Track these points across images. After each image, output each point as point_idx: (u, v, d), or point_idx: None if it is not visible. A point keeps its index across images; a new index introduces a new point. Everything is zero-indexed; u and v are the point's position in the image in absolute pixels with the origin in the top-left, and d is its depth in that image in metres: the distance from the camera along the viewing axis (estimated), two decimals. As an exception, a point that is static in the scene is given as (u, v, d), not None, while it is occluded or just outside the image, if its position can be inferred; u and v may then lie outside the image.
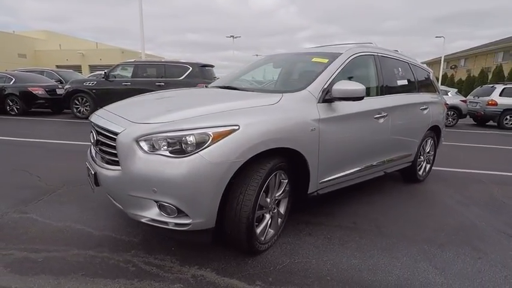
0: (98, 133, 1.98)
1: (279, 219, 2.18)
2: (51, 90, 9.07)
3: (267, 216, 2.01)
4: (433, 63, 36.53)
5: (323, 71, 2.37)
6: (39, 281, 1.67)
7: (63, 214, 2.50)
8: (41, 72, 11.17)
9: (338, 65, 2.47)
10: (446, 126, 10.97)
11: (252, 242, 1.84)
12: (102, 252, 1.97)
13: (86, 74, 22.51)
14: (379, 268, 1.91)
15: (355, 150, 2.54)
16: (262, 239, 1.98)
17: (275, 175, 1.97)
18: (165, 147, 1.65)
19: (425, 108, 3.45)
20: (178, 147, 1.64)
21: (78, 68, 27.83)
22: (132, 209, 1.79)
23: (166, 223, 1.71)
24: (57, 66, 25.14)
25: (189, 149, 1.62)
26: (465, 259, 2.06)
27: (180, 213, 1.68)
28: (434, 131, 3.80)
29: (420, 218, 2.71)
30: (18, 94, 8.65)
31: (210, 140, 1.63)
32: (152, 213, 1.73)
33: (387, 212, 2.78)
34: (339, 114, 2.32)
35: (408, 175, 3.65)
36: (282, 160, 1.99)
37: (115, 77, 8.28)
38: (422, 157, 3.70)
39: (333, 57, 2.54)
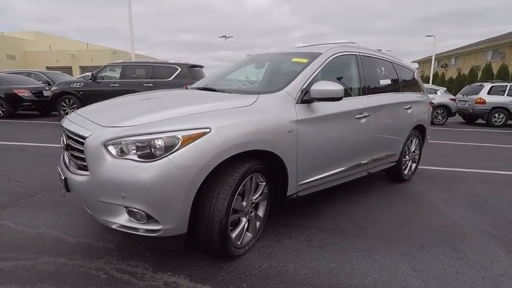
0: (68, 137, 1.92)
1: (258, 223, 2.14)
2: (37, 93, 8.91)
3: (243, 220, 1.97)
4: (424, 62, 36.87)
5: (302, 71, 2.34)
6: (4, 292, 1.61)
7: (38, 220, 2.42)
8: (28, 74, 10.99)
9: (318, 65, 2.44)
10: (435, 124, 11.11)
11: (226, 247, 1.80)
12: (74, 260, 1.91)
13: (76, 75, 22.24)
14: (357, 271, 1.88)
15: (336, 151, 2.51)
16: (239, 243, 1.94)
17: (251, 178, 1.93)
18: (134, 151, 1.60)
19: (410, 108, 3.45)
20: (147, 151, 1.59)
21: (68, 69, 27.49)
22: (102, 215, 1.73)
23: (136, 229, 1.66)
24: (48, 68, 24.81)
25: (158, 153, 1.58)
26: (444, 260, 2.04)
27: (149, 219, 1.63)
28: (419, 130, 3.80)
29: (404, 218, 2.69)
30: (3, 96, 8.48)
31: (180, 143, 1.59)
32: (122, 220, 1.68)
33: (371, 213, 2.76)
34: (318, 115, 2.29)
35: (393, 175, 3.65)
36: (259, 162, 1.96)
37: (103, 78, 8.17)
38: (407, 156, 3.70)
39: (312, 57, 2.51)
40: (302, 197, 2.33)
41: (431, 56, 29.25)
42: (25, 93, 8.61)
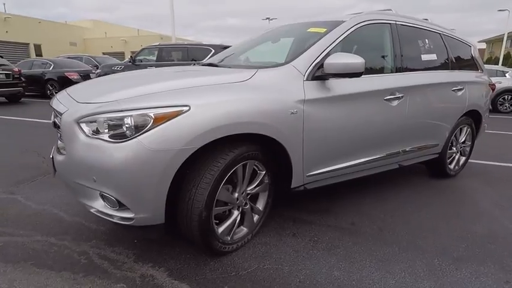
0: (55, 115, 1.83)
1: (256, 216, 1.90)
2: (85, 75, 9.50)
3: (235, 212, 1.74)
4: (494, 41, 32.28)
5: (316, 42, 1.97)
6: (-13, 268, 1.60)
7: (46, 197, 2.46)
8: (80, 59, 11.78)
9: (338, 35, 2.03)
10: (501, 112, 9.55)
11: (209, 242, 1.59)
12: (63, 241, 1.86)
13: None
14: (365, 285, 1.55)
15: (357, 138, 2.12)
16: (228, 238, 1.72)
17: (244, 166, 1.67)
18: (106, 130, 1.44)
19: (460, 89, 2.84)
20: (118, 130, 1.41)
21: (121, 55, 29.23)
22: (81, 198, 1.63)
23: (111, 216, 1.52)
24: (103, 53, 26.59)
25: (128, 133, 1.39)
26: (487, 282, 1.60)
27: (121, 206, 1.47)
28: (473, 117, 3.15)
29: (439, 221, 2.23)
30: (56, 79, 9.21)
31: (151, 122, 1.38)
32: (98, 204, 1.56)
33: (398, 212, 2.34)
34: (334, 95, 1.92)
35: (435, 169, 3.10)
36: (255, 148, 1.69)
37: (141, 61, 8.36)
38: (454, 148, 3.11)
39: (332, 25, 2.11)
40: (311, 190, 2.01)
41: (503, 34, 25.36)
42: (74, 76, 9.25)
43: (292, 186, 1.93)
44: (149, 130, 1.38)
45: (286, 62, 1.86)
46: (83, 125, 1.47)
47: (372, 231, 2.06)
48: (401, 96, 2.29)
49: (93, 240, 1.87)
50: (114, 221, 1.53)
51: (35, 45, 26.05)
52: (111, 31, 36.69)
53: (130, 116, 1.38)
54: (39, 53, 25.62)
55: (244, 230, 1.83)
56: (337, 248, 1.85)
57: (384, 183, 2.88)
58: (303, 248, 1.85)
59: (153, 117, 1.38)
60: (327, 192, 2.57)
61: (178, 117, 1.41)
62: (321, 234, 2.00)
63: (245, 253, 1.78)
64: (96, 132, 1.45)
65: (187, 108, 1.43)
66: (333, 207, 2.38)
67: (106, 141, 1.41)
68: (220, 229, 1.65)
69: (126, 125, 1.38)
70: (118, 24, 43.03)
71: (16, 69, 8.32)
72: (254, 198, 1.90)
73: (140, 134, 1.37)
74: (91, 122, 1.45)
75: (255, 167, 1.79)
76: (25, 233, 1.94)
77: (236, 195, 1.70)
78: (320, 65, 1.87)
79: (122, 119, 1.39)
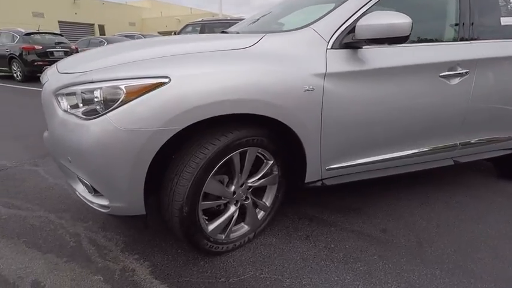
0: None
1: (261, 213, 1.61)
2: (134, 52, 9.83)
3: (231, 208, 1.47)
4: None
5: (346, 0, 1.52)
6: (-17, 241, 1.59)
7: (64, 171, 2.47)
8: (132, 36, 12.24)
9: (379, -11, 1.56)
10: None
11: (195, 241, 1.36)
12: (61, 219, 1.80)
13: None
14: (385, 318, 1.19)
15: (397, 126, 1.67)
16: (222, 237, 1.47)
17: (242, 153, 1.37)
18: (81, 104, 1.24)
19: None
20: (92, 106, 1.20)
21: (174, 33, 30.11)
22: (68, 179, 1.50)
23: (91, 202, 1.37)
24: (159, 32, 27.67)
25: (99, 108, 1.18)
26: None
27: (96, 192, 1.30)
28: None
29: (504, 240, 1.71)
30: (108, 56, 9.67)
31: (122, 97, 1.14)
32: (80, 188, 1.41)
33: (447, 221, 1.86)
34: (368, 68, 1.49)
35: (507, 168, 2.45)
36: (258, 133, 1.38)
37: (184, 38, 8.34)
38: (537, 143, 2.41)
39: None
40: (331, 186, 1.65)
41: None
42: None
43: (306, 181, 1.58)
44: (120, 106, 1.14)
45: (304, 26, 1.47)
46: (60, 98, 1.29)
47: (408, 244, 1.64)
48: (465, 73, 1.74)
49: (90, 221, 1.77)
50: (94, 207, 1.37)
51: (99, 25, 28.05)
52: (167, 11, 37.89)
53: (100, 88, 1.16)
54: (102, 33, 27.58)
55: (244, 227, 1.57)
56: (358, 262, 1.49)
57: (431, 181, 2.36)
58: (314, 256, 1.52)
59: (124, 90, 1.14)
60: (357, 189, 2.16)
61: (155, 91, 1.14)
62: (341, 241, 1.64)
63: (243, 255, 1.52)
64: (74, 106, 1.26)
65: (166, 80, 1.16)
66: (362, 207, 1.98)
67: (79, 117, 1.22)
68: (211, 226, 1.40)
69: (96, 99, 1.17)
70: (174, 3, 44.19)
71: (74, 46, 8.89)
72: (260, 191, 1.61)
73: (110, 111, 1.15)
74: (68, 94, 1.27)
75: (260, 156, 1.48)
76: (30, 207, 1.92)
77: (233, 188, 1.43)
78: (351, 29, 1.45)
79: (92, 91, 1.18)
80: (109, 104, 1.15)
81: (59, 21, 24.74)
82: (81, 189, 1.40)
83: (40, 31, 8.69)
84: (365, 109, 1.53)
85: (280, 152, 1.52)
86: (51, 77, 1.39)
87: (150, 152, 1.18)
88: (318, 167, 1.57)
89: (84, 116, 1.20)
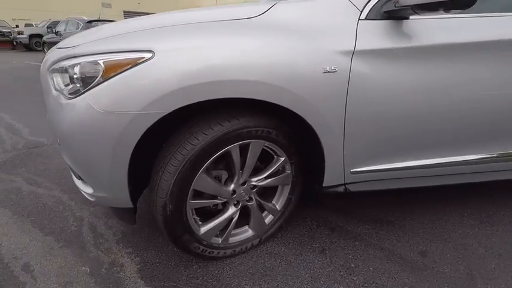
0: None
1: (269, 217, 1.39)
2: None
3: (230, 209, 1.26)
4: None
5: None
6: (3, 213, 1.62)
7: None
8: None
9: None
10: None
11: (184, 243, 1.18)
12: (72, 200, 1.78)
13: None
14: None
15: (453, 122, 1.29)
16: (218, 240, 1.28)
17: (243, 147, 1.15)
18: (68, 82, 1.13)
19: None
20: (76, 84, 1.08)
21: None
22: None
23: (80, 188, 1.28)
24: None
25: (79, 86, 1.05)
26: None
27: (81, 178, 1.19)
28: None
29: None
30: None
31: (101, 74, 0.99)
32: (73, 174, 1.33)
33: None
34: (417, 45, 1.14)
35: None
36: (265, 123, 1.14)
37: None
38: None
39: None
40: (357, 193, 1.35)
41: None
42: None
43: (324, 184, 1.31)
44: (98, 84, 0.99)
45: (332, -10, 1.16)
46: (53, 75, 1.20)
47: (454, 275, 1.27)
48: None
49: (97, 206, 1.72)
50: (84, 194, 1.27)
51: (158, 14, 29.65)
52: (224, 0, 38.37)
53: (79, 63, 1.03)
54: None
55: (248, 232, 1.36)
56: (382, 291, 1.19)
57: (496, 194, 1.87)
58: (327, 275, 1.26)
59: (102, 66, 0.99)
60: (394, 195, 1.80)
61: (136, 67, 0.97)
62: (364, 260, 1.34)
63: (242, 264, 1.31)
64: (64, 84, 1.16)
65: (149, 55, 0.97)
66: (398, 219, 1.63)
67: (65, 96, 1.11)
68: (205, 228, 1.22)
69: (75, 76, 1.04)
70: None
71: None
72: (270, 192, 1.38)
73: (88, 90, 1.01)
74: (57, 71, 1.16)
75: (270, 151, 1.25)
76: (49, 185, 1.95)
77: (232, 186, 1.22)
78: (395, -6, 1.11)
79: (73, 67, 1.05)
80: (87, 81, 1.01)
81: (124, 11, 26.73)
82: (73, 175, 1.32)
83: (100, 19, 9.31)
84: (408, 99, 1.19)
85: (295, 147, 1.26)
86: (49, 54, 1.31)
87: (131, 138, 1.02)
88: (341, 169, 1.28)
89: (69, 96, 1.08)
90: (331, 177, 1.29)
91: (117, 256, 1.35)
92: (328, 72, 1.07)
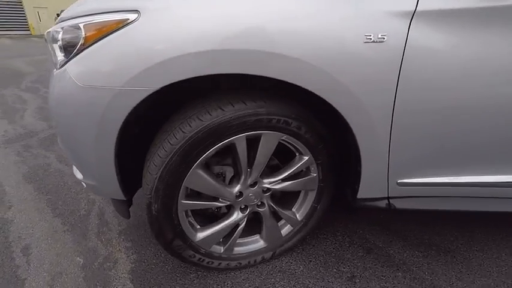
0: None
1: (287, 227, 1.13)
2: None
3: (235, 214, 1.03)
4: None
5: None
6: (26, 188, 1.63)
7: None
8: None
9: None
10: None
11: (176, 249, 0.99)
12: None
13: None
14: None
15: None
16: (220, 249, 1.06)
17: (252, 139, 0.90)
18: (60, 51, 1.00)
19: None
20: (62, 53, 0.94)
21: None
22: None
23: (74, 173, 1.16)
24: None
25: (62, 56, 0.90)
26: None
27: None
28: None
29: None
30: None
31: (82, 40, 0.82)
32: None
33: None
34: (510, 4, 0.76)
35: None
36: (282, 110, 0.88)
37: None
38: None
39: None
40: (405, 212, 1.01)
41: None
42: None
43: (359, 196, 1.00)
44: (79, 53, 0.83)
45: None
46: (49, 45, 1.08)
47: None
48: None
49: (112, 190, 1.64)
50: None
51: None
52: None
53: (62, 28, 0.87)
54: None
55: (259, 243, 1.12)
56: None
57: None
58: (353, 313, 0.97)
59: (83, 30, 0.82)
60: (459, 213, 1.39)
61: (118, 32, 0.78)
62: (407, 301, 1.01)
63: (248, 280, 1.09)
64: (57, 55, 1.03)
65: (134, 16, 0.77)
66: (462, 249, 1.24)
67: (55, 68, 0.98)
68: (202, 234, 1.01)
69: (59, 44, 0.89)
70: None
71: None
72: (288, 197, 1.12)
73: (69, 60, 0.85)
74: (52, 41, 1.04)
75: (290, 146, 0.98)
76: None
77: (238, 187, 0.98)
78: None
79: (58, 33, 0.90)
80: (69, 49, 0.86)
81: None
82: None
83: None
84: (494, 87, 0.81)
85: (324, 144, 0.98)
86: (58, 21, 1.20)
87: (114, 120, 0.84)
88: (383, 178, 0.96)
89: (58, 67, 0.95)
90: (370, 187, 0.98)
91: (115, 250, 1.22)
92: (372, 42, 0.76)
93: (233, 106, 0.84)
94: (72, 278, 1.10)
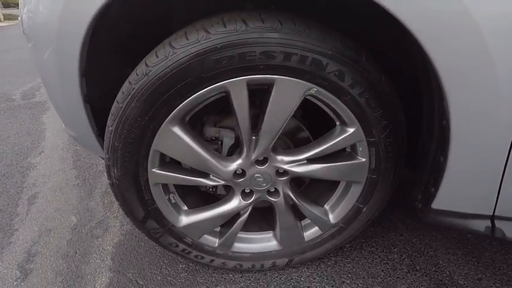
0: None
1: (314, 230, 0.79)
2: None
3: (234, 200, 0.72)
4: None
5: None
6: (61, 137, 1.62)
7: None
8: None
9: None
10: None
11: (150, 233, 0.74)
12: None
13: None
14: None
15: None
16: (215, 243, 0.78)
17: (262, 90, 0.57)
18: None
19: None
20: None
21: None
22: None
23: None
24: None
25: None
26: None
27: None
28: None
29: None
30: None
31: None
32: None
33: None
34: None
35: None
36: (318, 45, 0.51)
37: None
38: None
39: None
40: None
41: None
42: None
43: (434, 206, 0.58)
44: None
45: None
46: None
47: None
48: None
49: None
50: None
51: None
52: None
53: None
54: None
55: (271, 242, 0.81)
56: None
57: None
58: None
59: None
60: None
61: None
62: None
63: (249, 287, 0.79)
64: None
65: None
66: None
67: None
68: (188, 219, 0.74)
69: None
70: None
71: None
72: (318, 187, 0.77)
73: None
74: None
75: (326, 109, 0.62)
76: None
77: (237, 162, 0.66)
78: None
79: None
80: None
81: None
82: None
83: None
84: None
85: (384, 111, 0.58)
86: None
87: (71, 40, 0.60)
88: (489, 182, 0.52)
89: None
90: (459, 193, 0.56)
91: (112, 215, 1.07)
92: None
93: (225, 27, 0.51)
94: (56, 239, 0.97)
